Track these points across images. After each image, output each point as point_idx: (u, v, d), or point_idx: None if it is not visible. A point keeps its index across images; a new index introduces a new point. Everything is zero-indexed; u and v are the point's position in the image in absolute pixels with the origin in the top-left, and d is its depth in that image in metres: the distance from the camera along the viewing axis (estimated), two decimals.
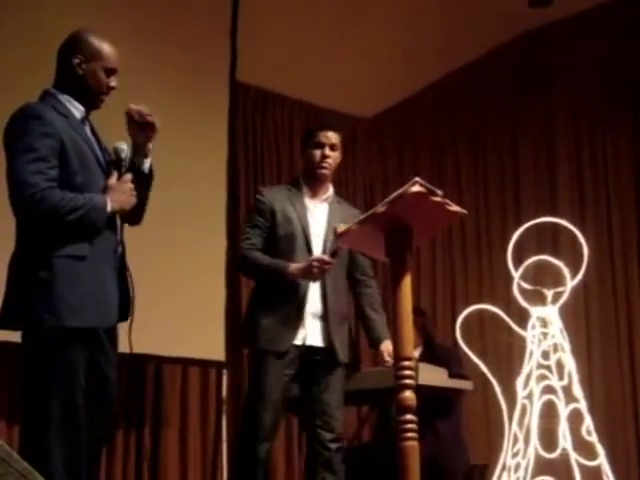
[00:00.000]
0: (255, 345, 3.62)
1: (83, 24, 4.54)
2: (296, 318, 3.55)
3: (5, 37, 4.69)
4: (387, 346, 3.74)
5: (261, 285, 3.72)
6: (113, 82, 2.89)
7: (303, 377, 3.62)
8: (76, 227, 2.72)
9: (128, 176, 2.87)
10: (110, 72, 2.88)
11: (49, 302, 2.67)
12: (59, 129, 2.76)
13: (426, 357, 4.59)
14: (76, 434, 2.70)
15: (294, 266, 3.55)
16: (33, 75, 4.64)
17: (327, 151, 3.67)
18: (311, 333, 3.59)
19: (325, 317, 3.60)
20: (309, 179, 3.75)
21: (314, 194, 3.74)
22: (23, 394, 2.78)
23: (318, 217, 3.70)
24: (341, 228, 2.91)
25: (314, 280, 3.57)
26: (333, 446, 3.57)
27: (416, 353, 4.62)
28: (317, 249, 3.66)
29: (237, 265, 3.79)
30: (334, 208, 3.75)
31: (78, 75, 2.85)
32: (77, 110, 2.87)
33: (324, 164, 3.67)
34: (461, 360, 4.57)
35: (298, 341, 3.56)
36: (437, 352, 4.70)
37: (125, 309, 2.91)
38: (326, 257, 3.54)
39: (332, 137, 3.70)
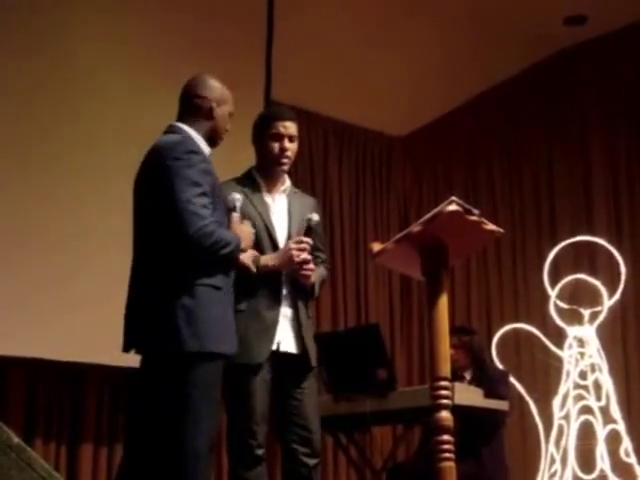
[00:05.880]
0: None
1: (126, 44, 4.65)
2: (271, 322, 3.19)
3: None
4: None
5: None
6: (229, 125, 3.06)
7: (275, 386, 3.22)
8: (222, 261, 2.84)
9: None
10: (230, 116, 3.06)
11: (192, 327, 2.73)
12: (213, 168, 2.90)
13: (476, 379, 4.42)
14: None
15: (266, 257, 3.20)
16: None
17: (286, 143, 3.30)
18: (285, 337, 3.23)
19: (297, 318, 3.25)
20: (265, 172, 3.37)
21: (271, 187, 3.36)
22: (158, 416, 2.77)
23: (279, 212, 3.35)
24: (377, 247, 2.89)
25: (290, 268, 3.21)
26: (311, 462, 3.21)
27: (467, 375, 4.49)
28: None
29: None
30: (293, 199, 3.40)
31: (212, 118, 2.99)
32: (207, 150, 2.99)
33: (284, 159, 3.31)
34: (508, 384, 4.48)
35: (273, 347, 3.19)
36: (486, 373, 4.49)
37: None
38: (302, 238, 3.23)
39: (290, 127, 3.31)
